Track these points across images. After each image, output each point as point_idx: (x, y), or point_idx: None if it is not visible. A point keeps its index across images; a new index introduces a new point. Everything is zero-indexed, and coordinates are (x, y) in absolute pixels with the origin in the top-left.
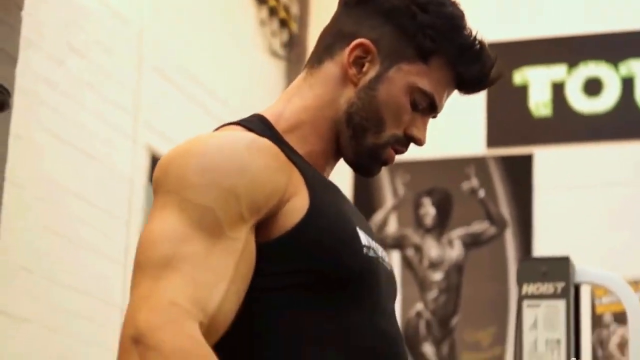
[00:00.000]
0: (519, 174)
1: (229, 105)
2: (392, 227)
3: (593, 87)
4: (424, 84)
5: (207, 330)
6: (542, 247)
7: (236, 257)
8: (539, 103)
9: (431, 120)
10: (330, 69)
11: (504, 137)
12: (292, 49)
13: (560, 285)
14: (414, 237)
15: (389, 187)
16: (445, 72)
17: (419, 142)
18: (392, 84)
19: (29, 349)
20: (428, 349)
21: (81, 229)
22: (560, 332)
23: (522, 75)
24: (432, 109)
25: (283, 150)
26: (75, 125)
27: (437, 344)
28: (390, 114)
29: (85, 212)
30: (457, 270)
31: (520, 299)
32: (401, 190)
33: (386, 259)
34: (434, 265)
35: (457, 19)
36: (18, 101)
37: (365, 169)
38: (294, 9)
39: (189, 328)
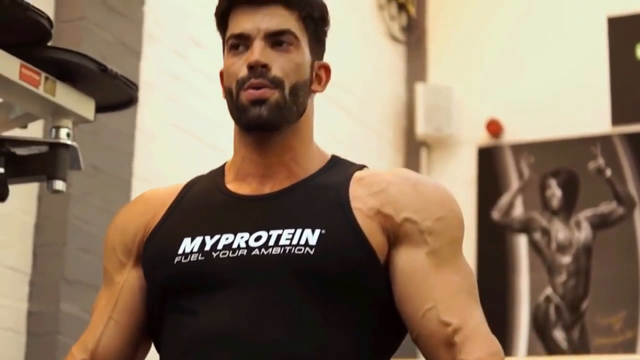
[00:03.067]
0: None
1: (352, 92)
2: (518, 210)
3: None
4: (229, 32)
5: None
6: None
7: (116, 296)
8: None
9: (554, 100)
10: None
11: (629, 114)
12: (411, 33)
13: None
14: (541, 220)
15: (514, 169)
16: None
17: (252, 64)
18: None
19: None
20: (558, 334)
21: None
22: None
23: None
24: (244, 41)
25: (186, 186)
26: (199, 117)
27: (568, 329)
28: None
29: None
30: (585, 252)
31: None
32: (526, 172)
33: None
34: (562, 248)
35: None
36: (142, 95)
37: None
38: None
39: None
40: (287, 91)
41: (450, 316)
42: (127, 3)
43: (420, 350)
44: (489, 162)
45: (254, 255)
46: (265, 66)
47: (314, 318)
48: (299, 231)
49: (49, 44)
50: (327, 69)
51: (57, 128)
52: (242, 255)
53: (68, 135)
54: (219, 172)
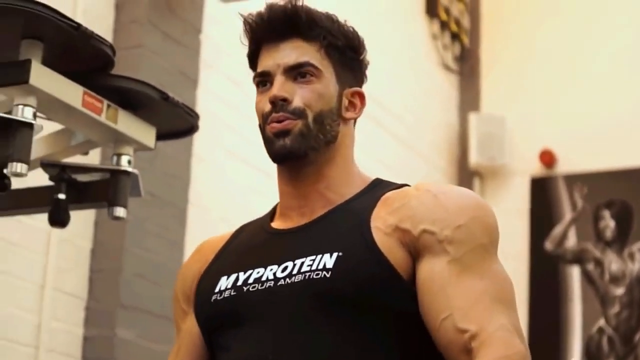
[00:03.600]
0: None
1: (405, 121)
2: (571, 241)
3: None
4: (257, 70)
5: None
6: None
7: (180, 342)
8: None
9: (608, 131)
10: None
11: None
12: (464, 62)
13: None
14: (594, 251)
15: (567, 200)
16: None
17: (272, 99)
18: None
19: None
20: None
21: None
22: None
23: None
24: (267, 77)
25: (237, 231)
26: (254, 144)
27: None
28: None
29: None
30: (639, 284)
31: None
32: (580, 203)
33: (291, 278)
34: (615, 279)
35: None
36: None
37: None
38: (465, 22)
39: None
40: (310, 120)
41: (468, 323)
42: (184, 31)
43: None
44: (542, 193)
45: (280, 285)
46: (285, 100)
47: (337, 341)
48: (319, 257)
49: (111, 72)
50: (360, 95)
51: (119, 155)
52: (269, 287)
53: (129, 162)
54: (269, 213)
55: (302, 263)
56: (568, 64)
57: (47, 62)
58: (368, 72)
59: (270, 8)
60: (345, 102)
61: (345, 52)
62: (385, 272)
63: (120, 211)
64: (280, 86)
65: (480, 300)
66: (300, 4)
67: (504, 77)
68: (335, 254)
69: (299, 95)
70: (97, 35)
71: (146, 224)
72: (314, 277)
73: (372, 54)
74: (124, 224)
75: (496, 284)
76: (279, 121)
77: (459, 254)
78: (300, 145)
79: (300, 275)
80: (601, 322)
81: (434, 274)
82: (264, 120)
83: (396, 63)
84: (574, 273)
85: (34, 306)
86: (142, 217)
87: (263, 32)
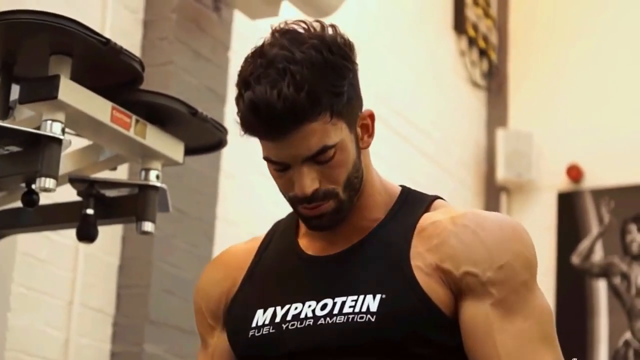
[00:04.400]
0: None
1: (432, 137)
2: (598, 255)
3: None
4: (263, 153)
5: None
6: None
7: (210, 357)
8: None
9: (635, 145)
10: None
11: None
12: (492, 79)
13: None
14: (621, 265)
15: (594, 214)
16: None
17: (302, 196)
18: None
19: None
20: None
21: None
22: None
23: None
24: (282, 165)
25: (262, 244)
26: None
27: None
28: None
29: None
30: None
31: None
32: (606, 217)
33: (332, 318)
34: None
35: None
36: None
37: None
38: (493, 39)
39: None
40: (341, 193)
41: None
42: (213, 48)
43: None
44: (569, 207)
45: (320, 324)
46: (316, 190)
47: None
48: (361, 297)
49: (140, 87)
50: (370, 117)
51: (147, 170)
52: (309, 325)
53: (157, 177)
54: (293, 224)
55: (344, 303)
56: (594, 80)
57: (75, 78)
58: (396, 88)
59: (267, 105)
60: (359, 135)
61: (349, 88)
62: (430, 313)
63: (148, 226)
64: (306, 182)
65: (526, 344)
66: (288, 84)
67: (532, 94)
68: (378, 296)
69: (325, 178)
70: (125, 50)
71: (174, 240)
72: (358, 320)
73: (400, 70)
74: (151, 239)
75: (539, 322)
76: (312, 208)
77: (502, 295)
78: (338, 219)
79: (342, 316)
80: (627, 335)
81: (478, 319)
82: (292, 201)
83: (424, 79)
84: (601, 287)
85: (62, 322)
86: (170, 233)
87: (265, 133)
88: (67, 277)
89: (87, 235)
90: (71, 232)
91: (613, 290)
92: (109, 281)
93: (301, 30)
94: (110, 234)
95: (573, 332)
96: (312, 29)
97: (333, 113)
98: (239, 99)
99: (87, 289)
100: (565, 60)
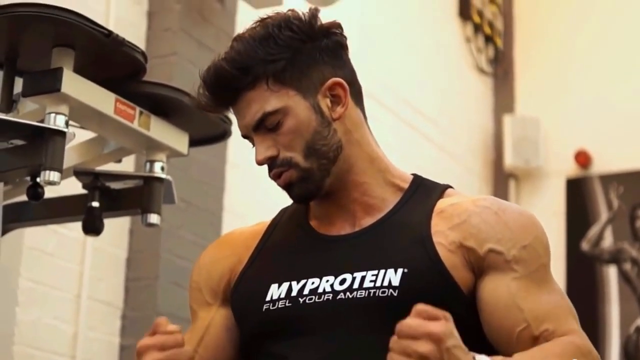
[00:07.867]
0: None
1: (439, 124)
2: (607, 241)
3: None
4: None
5: None
6: None
7: (202, 332)
8: None
9: None
10: None
11: None
12: (498, 65)
13: None
14: (631, 250)
15: (603, 200)
16: None
17: (258, 164)
18: None
19: None
20: None
21: None
22: None
23: None
24: (248, 139)
25: (270, 225)
26: None
27: None
28: None
29: None
30: None
31: None
32: (616, 203)
33: (352, 292)
34: None
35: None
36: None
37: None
38: (499, 25)
39: None
40: (301, 161)
41: (546, 325)
42: (217, 38)
43: None
44: (578, 193)
45: (340, 299)
46: (269, 158)
47: None
48: (382, 272)
49: (143, 78)
50: (339, 85)
51: (152, 162)
52: (327, 299)
53: (162, 169)
54: (301, 208)
55: (364, 277)
56: (601, 64)
57: (78, 70)
58: (401, 75)
59: (205, 80)
60: (326, 104)
61: (296, 57)
62: (451, 291)
63: (154, 218)
64: (259, 149)
65: (554, 311)
66: (224, 58)
67: (538, 79)
68: (400, 270)
69: (279, 144)
70: (128, 42)
71: (181, 232)
72: (380, 294)
73: (406, 58)
74: (159, 231)
75: (564, 299)
76: (278, 176)
77: (526, 272)
78: (309, 187)
79: (362, 290)
80: (639, 321)
81: (500, 291)
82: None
83: (430, 66)
84: (611, 273)
85: (70, 316)
86: (177, 224)
87: (216, 105)
88: (75, 270)
89: (93, 228)
90: (78, 225)
91: (624, 276)
92: (117, 274)
93: (278, 16)
94: (117, 227)
95: (584, 319)
96: (288, 13)
97: (269, 80)
98: None
99: (95, 282)
100: (572, 45)
